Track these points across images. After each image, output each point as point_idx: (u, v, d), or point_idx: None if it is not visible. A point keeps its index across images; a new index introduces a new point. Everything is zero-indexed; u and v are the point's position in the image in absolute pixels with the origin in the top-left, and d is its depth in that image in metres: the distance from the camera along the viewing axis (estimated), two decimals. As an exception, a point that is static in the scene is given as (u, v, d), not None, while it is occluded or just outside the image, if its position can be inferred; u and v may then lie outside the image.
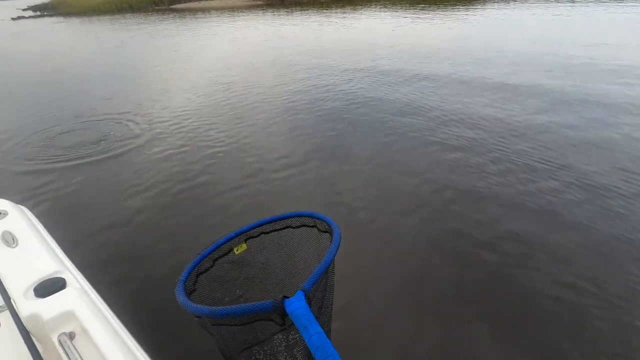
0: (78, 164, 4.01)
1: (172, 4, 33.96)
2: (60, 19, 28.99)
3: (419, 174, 3.54)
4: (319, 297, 1.01)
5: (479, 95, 5.69)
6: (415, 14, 17.47)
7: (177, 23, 20.20)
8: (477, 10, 17.55)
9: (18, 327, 0.91)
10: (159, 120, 5.31)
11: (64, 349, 0.81)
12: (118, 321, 1.01)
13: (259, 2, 32.11)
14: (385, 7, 21.87)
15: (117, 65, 10.03)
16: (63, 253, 1.27)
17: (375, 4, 23.96)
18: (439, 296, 2.21)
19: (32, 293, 0.97)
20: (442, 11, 17.57)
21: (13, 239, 1.25)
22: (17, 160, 4.16)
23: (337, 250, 0.98)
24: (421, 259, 2.52)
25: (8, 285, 1.02)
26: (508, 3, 19.81)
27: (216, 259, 1.15)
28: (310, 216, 1.19)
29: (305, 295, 0.86)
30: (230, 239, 1.19)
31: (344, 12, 20.47)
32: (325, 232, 1.14)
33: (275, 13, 22.88)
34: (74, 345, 0.81)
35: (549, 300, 2.14)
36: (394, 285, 2.31)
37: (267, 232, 1.24)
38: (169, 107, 5.88)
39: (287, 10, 24.40)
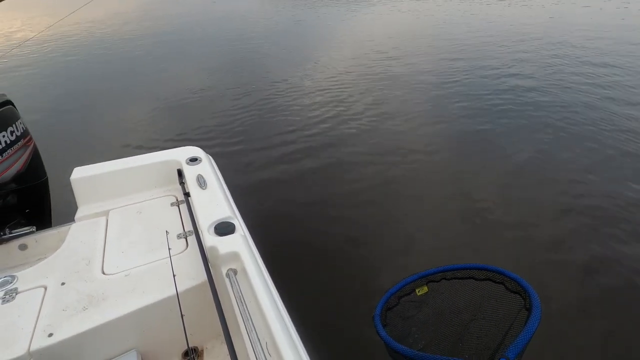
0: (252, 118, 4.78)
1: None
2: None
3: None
4: None
5: None
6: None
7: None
8: None
9: (201, 253, 1.22)
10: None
11: (229, 280, 1.06)
12: (264, 266, 1.23)
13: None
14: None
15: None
16: (233, 201, 1.59)
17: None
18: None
19: (213, 230, 1.27)
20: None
21: (204, 182, 1.62)
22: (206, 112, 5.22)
23: (539, 322, 0.97)
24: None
25: (198, 219, 1.36)
26: None
27: (401, 297, 1.31)
28: (499, 272, 1.20)
29: None
30: (414, 280, 1.32)
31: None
32: (515, 292, 1.13)
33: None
34: (237, 280, 1.05)
35: None
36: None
37: (448, 279, 1.31)
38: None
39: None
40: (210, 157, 1.96)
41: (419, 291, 1.32)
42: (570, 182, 3.15)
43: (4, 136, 1.54)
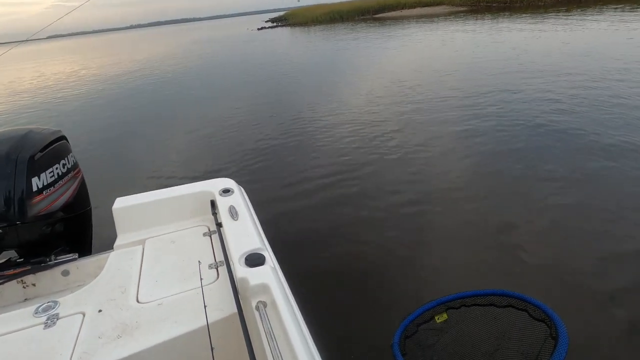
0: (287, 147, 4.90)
1: (375, 14, 36.45)
2: (288, 28, 35.46)
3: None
4: None
5: None
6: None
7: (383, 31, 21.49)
8: None
9: (231, 284, 1.22)
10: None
11: (259, 313, 1.05)
12: (293, 298, 1.22)
13: (460, 9, 30.78)
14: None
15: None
16: (263, 232, 1.61)
17: (616, 5, 19.31)
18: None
19: (243, 261, 1.28)
20: None
21: (235, 214, 1.65)
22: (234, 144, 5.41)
23: (566, 352, 0.94)
24: None
25: (230, 249, 1.38)
26: None
27: (419, 325, 1.27)
28: (522, 299, 1.16)
29: None
30: (433, 307, 1.29)
31: (569, 18, 17.34)
32: (540, 320, 1.09)
33: (478, 20, 21.46)
34: (266, 313, 1.04)
35: None
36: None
37: (468, 306, 1.27)
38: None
39: (493, 17, 22.47)
40: (242, 188, 2.00)
41: (438, 318, 1.28)
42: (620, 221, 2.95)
43: (56, 168, 1.66)
